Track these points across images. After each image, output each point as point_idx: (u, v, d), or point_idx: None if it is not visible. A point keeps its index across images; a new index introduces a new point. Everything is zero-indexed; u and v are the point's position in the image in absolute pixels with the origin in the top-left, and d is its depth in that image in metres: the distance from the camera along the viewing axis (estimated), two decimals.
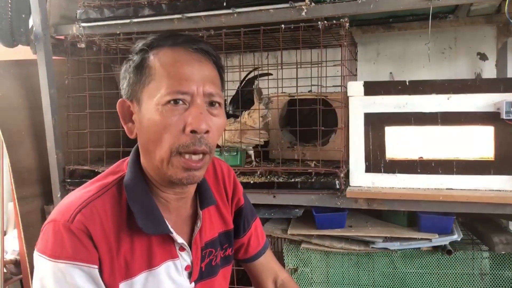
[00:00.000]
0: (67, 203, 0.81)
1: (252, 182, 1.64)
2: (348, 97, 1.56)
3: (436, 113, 1.48)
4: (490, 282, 1.55)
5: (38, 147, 1.92)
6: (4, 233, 2.54)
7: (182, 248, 0.89)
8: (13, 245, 2.21)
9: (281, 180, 1.64)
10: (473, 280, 1.56)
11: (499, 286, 1.55)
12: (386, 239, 1.55)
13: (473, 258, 1.56)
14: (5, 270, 2.08)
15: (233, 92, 1.95)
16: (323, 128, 1.58)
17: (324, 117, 1.61)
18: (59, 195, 1.84)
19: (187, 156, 0.79)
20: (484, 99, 1.44)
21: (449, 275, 1.57)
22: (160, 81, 0.79)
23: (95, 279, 0.77)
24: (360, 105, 1.54)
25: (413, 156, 1.52)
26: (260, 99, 1.77)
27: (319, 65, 1.60)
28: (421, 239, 1.51)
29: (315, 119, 1.58)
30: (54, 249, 0.75)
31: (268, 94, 1.93)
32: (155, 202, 0.85)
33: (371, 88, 1.53)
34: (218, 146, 1.81)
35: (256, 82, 1.86)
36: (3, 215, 2.15)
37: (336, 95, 1.76)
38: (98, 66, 1.92)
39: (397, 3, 1.48)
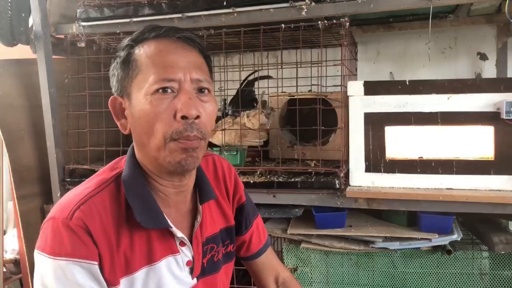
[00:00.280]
0: (65, 200, 0.81)
1: (252, 181, 1.63)
2: (348, 96, 1.56)
3: (436, 113, 1.48)
4: (490, 282, 1.55)
5: (38, 146, 1.92)
6: (4, 232, 2.54)
7: (182, 243, 0.89)
8: (12, 244, 2.21)
9: (281, 180, 1.64)
10: (473, 280, 1.56)
11: (499, 286, 1.55)
12: (386, 239, 1.55)
13: (473, 258, 1.56)
14: (4, 270, 2.08)
15: (233, 92, 1.95)
16: (323, 127, 1.58)
17: (324, 116, 1.61)
18: (58, 194, 1.83)
19: (181, 140, 0.79)
20: (484, 99, 1.44)
21: (449, 274, 1.57)
22: (146, 71, 0.80)
23: (96, 275, 0.77)
24: (360, 104, 1.54)
25: (413, 156, 1.52)
26: (263, 109, 1.77)
27: (319, 64, 1.60)
28: (421, 239, 1.51)
29: (315, 118, 1.58)
30: (53, 246, 0.75)
31: (268, 94, 1.93)
32: (154, 197, 0.86)
33: (371, 88, 1.53)
34: (217, 145, 1.81)
35: (256, 83, 1.86)
36: (3, 214, 2.15)
37: (336, 95, 1.76)
38: (98, 66, 1.92)
39: (398, 3, 1.48)
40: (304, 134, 1.72)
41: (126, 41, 0.85)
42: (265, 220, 1.76)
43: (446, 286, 1.58)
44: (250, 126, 1.77)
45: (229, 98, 1.95)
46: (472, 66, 2.10)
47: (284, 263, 1.67)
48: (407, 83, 1.51)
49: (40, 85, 1.81)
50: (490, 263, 1.57)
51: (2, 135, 1.78)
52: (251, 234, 1.09)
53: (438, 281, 1.58)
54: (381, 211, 1.67)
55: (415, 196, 1.47)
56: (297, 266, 1.68)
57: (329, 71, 1.66)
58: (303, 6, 1.54)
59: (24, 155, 1.87)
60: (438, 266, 1.58)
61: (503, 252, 1.50)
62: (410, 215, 1.60)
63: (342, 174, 1.56)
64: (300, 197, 1.61)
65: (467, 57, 2.11)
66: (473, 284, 1.56)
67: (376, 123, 1.53)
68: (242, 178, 1.67)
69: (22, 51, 1.87)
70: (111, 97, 0.87)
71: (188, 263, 0.90)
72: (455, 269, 1.57)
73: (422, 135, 1.51)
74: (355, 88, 1.54)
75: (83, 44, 1.83)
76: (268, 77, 1.86)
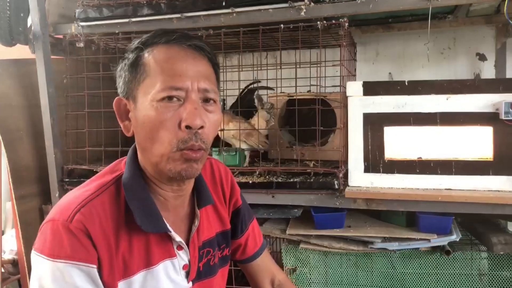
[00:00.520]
0: (65, 202, 0.81)
1: (251, 182, 1.63)
2: (347, 97, 1.56)
3: (435, 113, 1.48)
4: (489, 282, 1.55)
5: (37, 146, 1.91)
6: (2, 233, 2.54)
7: (179, 247, 0.89)
8: (11, 244, 2.20)
9: (280, 180, 1.63)
10: (472, 281, 1.56)
11: (498, 287, 1.55)
12: (384, 239, 1.55)
13: (472, 259, 1.56)
14: (3, 270, 2.07)
15: (232, 92, 1.95)
16: (322, 128, 1.58)
17: (323, 117, 1.61)
18: (57, 195, 1.83)
19: (186, 151, 0.79)
20: (483, 100, 1.44)
21: (447, 275, 1.57)
22: (154, 77, 0.79)
23: (94, 278, 0.77)
24: (359, 105, 1.54)
25: (412, 156, 1.52)
26: (262, 105, 1.77)
27: (318, 65, 1.60)
28: (420, 239, 1.51)
29: (314, 119, 1.58)
30: (52, 248, 0.75)
31: (268, 95, 1.93)
32: (154, 200, 0.85)
33: (370, 88, 1.53)
34: (216, 146, 1.81)
35: (256, 92, 1.87)
36: (1, 215, 2.15)
37: (335, 95, 1.76)
38: (96, 66, 1.91)
39: (397, 3, 1.48)
40: (303, 134, 1.72)
41: (135, 43, 0.85)
42: (264, 220, 1.76)
43: (445, 286, 1.58)
44: (256, 124, 1.78)
45: (228, 98, 1.95)
46: (471, 66, 2.10)
47: (283, 263, 1.67)
48: (406, 83, 1.51)
49: (39, 85, 1.81)
50: (489, 263, 1.57)
51: (1, 135, 1.78)
52: (246, 237, 1.09)
53: (437, 282, 1.58)
54: (380, 212, 1.67)
55: (414, 196, 1.47)
56: (296, 267, 1.68)
57: (328, 71, 1.66)
58: (302, 7, 1.54)
59: (23, 155, 1.87)
60: (437, 267, 1.58)
61: (502, 253, 1.50)
62: (409, 216, 1.60)
63: (341, 175, 1.56)
64: (299, 198, 1.61)
65: (466, 57, 2.11)
66: (472, 285, 1.56)
67: (375, 124, 1.53)
68: (241, 178, 1.67)
69: (20, 51, 1.87)
70: (116, 97, 0.87)
71: (184, 267, 0.90)
72: (454, 270, 1.57)
73: (421, 136, 1.51)
74: (354, 88, 1.54)
75: (82, 44, 1.83)
76: (268, 88, 1.86)
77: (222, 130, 1.73)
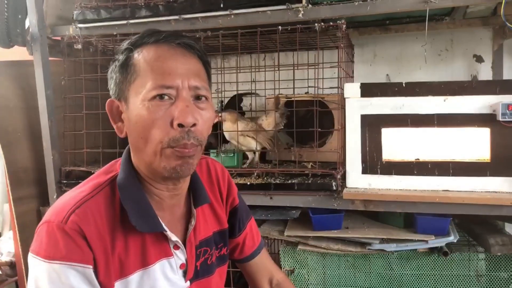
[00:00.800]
0: (60, 204, 0.81)
1: (249, 183, 1.63)
2: (344, 98, 1.56)
3: (433, 114, 1.49)
4: (486, 283, 1.55)
5: (34, 148, 1.91)
6: (0, 235, 2.53)
7: (176, 247, 0.89)
8: (8, 246, 2.20)
9: (278, 182, 1.64)
10: (469, 282, 1.56)
11: None
12: (382, 241, 1.55)
13: (469, 260, 1.56)
14: (0, 272, 2.07)
15: (230, 94, 1.95)
16: (320, 129, 1.58)
17: (321, 118, 1.61)
18: (55, 196, 1.83)
19: (178, 148, 0.79)
20: (480, 101, 1.44)
21: (445, 276, 1.57)
22: (145, 77, 0.80)
23: (90, 279, 0.77)
24: (356, 106, 1.54)
25: (410, 157, 1.52)
26: (278, 108, 1.78)
27: (316, 66, 1.60)
28: (418, 240, 1.52)
29: (312, 120, 1.58)
30: (48, 250, 0.75)
31: (265, 96, 1.93)
32: (149, 200, 0.86)
33: (368, 90, 1.53)
34: (214, 148, 1.81)
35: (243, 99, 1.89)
36: None
37: (333, 97, 1.76)
38: (94, 67, 1.91)
39: (394, 5, 1.48)
40: (301, 136, 1.73)
41: (125, 44, 0.85)
42: (262, 222, 1.76)
43: (442, 287, 1.58)
44: (266, 125, 1.78)
45: (226, 100, 1.95)
46: (468, 68, 2.11)
47: (281, 265, 1.67)
48: (404, 85, 1.51)
49: (37, 86, 1.80)
50: (486, 264, 1.57)
51: None
52: (244, 236, 1.09)
53: (435, 283, 1.58)
54: (377, 213, 1.67)
55: (411, 197, 1.47)
56: (294, 268, 1.68)
57: (326, 73, 1.66)
58: (300, 8, 1.54)
59: (21, 157, 1.87)
60: (434, 268, 1.58)
61: (499, 254, 1.50)
62: (406, 217, 1.60)
63: (338, 176, 1.56)
64: (297, 199, 1.61)
65: (463, 59, 2.11)
66: (470, 286, 1.56)
67: (372, 125, 1.54)
68: (239, 179, 1.67)
69: (18, 53, 1.87)
70: (108, 100, 0.87)
71: (181, 266, 0.90)
72: (452, 271, 1.57)
73: (418, 137, 1.51)
74: (351, 90, 1.55)
75: (79, 46, 1.83)
76: (253, 93, 1.88)
77: (232, 130, 1.73)
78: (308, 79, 1.69)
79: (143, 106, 0.78)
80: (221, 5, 1.61)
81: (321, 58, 1.64)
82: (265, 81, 1.74)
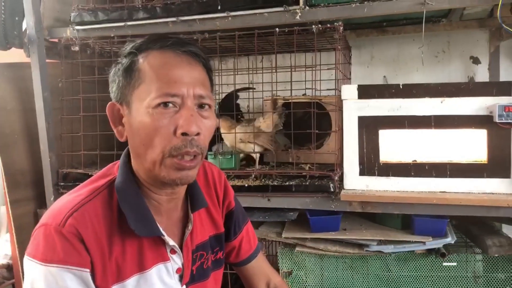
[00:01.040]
0: (58, 207, 0.81)
1: (246, 185, 1.63)
2: (342, 100, 1.56)
3: (430, 116, 1.49)
4: (484, 284, 1.56)
5: (32, 150, 1.91)
6: None
7: (173, 251, 0.89)
8: (5, 249, 2.19)
9: (275, 183, 1.63)
10: (467, 283, 1.56)
11: None
12: (380, 242, 1.55)
13: (467, 261, 1.57)
14: None
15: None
16: (317, 131, 1.58)
17: (319, 120, 1.61)
18: (52, 199, 1.82)
19: (179, 157, 0.79)
20: (477, 103, 1.45)
21: (442, 277, 1.57)
22: (149, 84, 0.79)
23: (87, 282, 0.77)
24: (354, 108, 1.55)
25: (407, 159, 1.53)
26: (275, 109, 1.77)
27: (314, 68, 1.60)
28: (415, 242, 1.52)
29: (310, 122, 1.58)
30: (45, 253, 0.75)
31: (263, 98, 1.94)
32: (147, 205, 0.85)
33: (365, 92, 1.54)
34: (211, 150, 1.81)
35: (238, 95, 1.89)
36: None
37: (330, 99, 1.77)
38: (92, 69, 1.91)
39: (391, 7, 1.49)
40: (298, 137, 1.73)
41: (129, 48, 0.84)
42: (260, 223, 1.76)
43: None
44: (265, 127, 1.78)
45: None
46: (465, 70, 2.12)
47: (279, 267, 1.67)
48: (401, 86, 1.51)
49: (34, 89, 1.80)
50: (483, 266, 1.57)
51: None
52: (240, 240, 1.09)
53: (432, 284, 1.58)
54: (375, 214, 1.68)
55: (409, 199, 1.47)
56: (291, 270, 1.68)
57: (323, 75, 1.66)
58: (297, 11, 1.54)
59: (18, 159, 1.86)
60: (432, 269, 1.58)
61: (496, 255, 1.50)
62: (404, 218, 1.61)
63: (336, 178, 1.56)
64: (295, 201, 1.61)
65: (460, 61, 2.12)
66: (467, 287, 1.57)
67: (370, 127, 1.54)
68: (237, 182, 1.67)
69: (15, 55, 1.87)
70: (110, 103, 0.86)
71: (177, 270, 0.90)
72: (449, 272, 1.57)
73: (415, 139, 1.52)
74: (349, 91, 1.55)
75: (77, 48, 1.82)
76: (249, 88, 1.88)
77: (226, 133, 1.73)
78: (305, 81, 1.69)
79: (147, 113, 0.78)
80: (219, 7, 1.61)
81: (319, 60, 1.64)
82: (262, 83, 1.74)
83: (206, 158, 1.70)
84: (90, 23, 1.77)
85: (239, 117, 1.96)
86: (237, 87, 1.87)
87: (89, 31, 1.79)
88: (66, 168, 1.86)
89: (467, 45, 2.10)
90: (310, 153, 1.78)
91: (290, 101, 1.74)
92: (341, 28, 1.53)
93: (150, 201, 0.87)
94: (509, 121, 1.38)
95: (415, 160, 1.52)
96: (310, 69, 1.62)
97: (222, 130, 1.77)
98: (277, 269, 1.67)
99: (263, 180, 1.68)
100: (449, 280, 1.57)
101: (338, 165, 1.61)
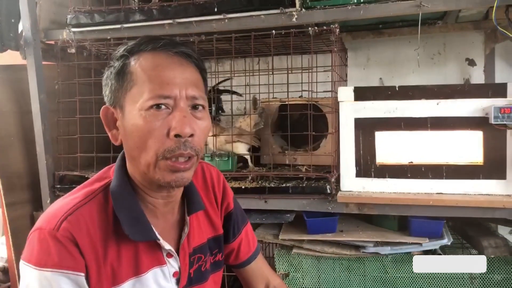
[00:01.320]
0: (52, 210, 0.80)
1: (243, 187, 1.63)
2: (338, 102, 1.57)
3: (426, 118, 1.49)
4: (480, 285, 1.56)
5: (28, 152, 1.90)
6: None
7: (169, 255, 0.88)
8: (1, 252, 2.18)
9: (272, 185, 1.64)
10: (463, 284, 1.57)
11: None
12: (377, 244, 1.56)
13: None
14: None
15: (224, 98, 1.95)
16: (314, 133, 1.58)
17: (315, 122, 1.62)
18: (48, 201, 1.82)
19: (173, 159, 0.79)
20: (473, 104, 1.45)
21: (439, 279, 1.58)
22: (142, 86, 0.79)
23: (82, 286, 0.76)
24: (350, 110, 1.55)
25: (403, 160, 1.53)
26: (255, 109, 1.78)
27: (310, 70, 1.60)
28: (412, 243, 1.52)
29: (306, 124, 1.58)
30: (39, 257, 0.75)
31: (259, 99, 1.94)
32: (142, 208, 0.85)
33: (361, 93, 1.54)
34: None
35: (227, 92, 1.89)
36: None
37: (326, 100, 1.77)
38: (88, 72, 1.91)
39: (387, 10, 1.49)
40: (295, 139, 1.73)
41: (121, 51, 0.84)
42: (257, 225, 1.76)
43: None
44: (245, 126, 1.78)
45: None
46: (460, 71, 2.12)
47: (275, 268, 1.67)
48: (397, 88, 1.52)
49: (30, 91, 1.80)
50: None
51: None
52: (239, 242, 1.09)
53: (429, 286, 1.58)
54: (372, 216, 1.68)
55: (405, 200, 1.48)
56: (288, 272, 1.68)
57: (320, 77, 1.67)
58: (294, 13, 1.55)
59: (14, 161, 1.86)
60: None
61: (492, 256, 1.51)
62: (400, 220, 1.61)
63: (333, 179, 1.56)
64: (292, 203, 1.61)
65: (455, 63, 2.13)
66: None
67: (366, 128, 1.54)
68: (234, 183, 1.67)
69: (11, 57, 1.86)
70: (103, 106, 0.86)
71: (174, 274, 0.89)
72: (446, 274, 1.57)
73: (412, 140, 1.52)
74: (345, 93, 1.55)
75: (73, 50, 1.82)
76: (233, 92, 1.88)
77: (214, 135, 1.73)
78: (302, 82, 1.70)
79: (140, 115, 0.78)
80: (215, 9, 1.61)
81: (315, 62, 1.65)
82: (259, 85, 1.74)
83: (203, 159, 1.70)
84: (87, 25, 1.77)
85: (217, 119, 1.95)
86: (234, 89, 1.87)
87: (86, 33, 1.78)
88: (63, 171, 1.86)
89: (462, 47, 2.11)
90: (306, 155, 1.78)
91: (286, 103, 1.74)
92: (337, 30, 1.54)
93: (146, 205, 0.87)
94: (505, 122, 1.38)
95: (412, 162, 1.52)
96: (307, 71, 1.62)
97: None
98: (274, 271, 1.67)
99: (260, 182, 1.68)
100: (446, 281, 1.58)
101: (334, 166, 1.61)
